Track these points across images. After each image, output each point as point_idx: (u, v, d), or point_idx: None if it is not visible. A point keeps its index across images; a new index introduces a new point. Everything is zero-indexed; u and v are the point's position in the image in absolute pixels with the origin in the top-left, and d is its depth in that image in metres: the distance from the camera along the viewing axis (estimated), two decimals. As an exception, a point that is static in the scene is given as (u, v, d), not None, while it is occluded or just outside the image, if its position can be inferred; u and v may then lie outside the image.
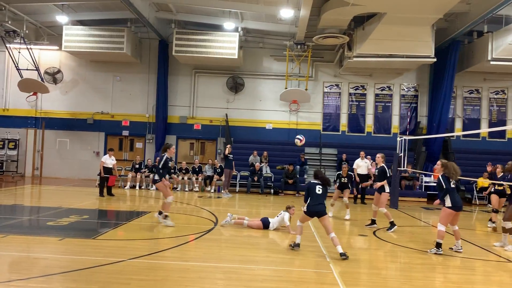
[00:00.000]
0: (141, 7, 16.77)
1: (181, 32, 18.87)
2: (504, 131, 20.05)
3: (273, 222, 9.58)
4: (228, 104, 20.81)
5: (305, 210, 7.63)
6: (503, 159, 18.33)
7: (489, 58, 17.24)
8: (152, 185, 17.48)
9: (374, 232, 9.86)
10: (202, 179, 17.88)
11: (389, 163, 17.02)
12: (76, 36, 18.76)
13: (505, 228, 8.67)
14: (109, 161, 14.82)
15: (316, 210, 7.48)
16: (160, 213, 9.77)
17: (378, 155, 10.51)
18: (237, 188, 18.09)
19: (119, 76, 20.98)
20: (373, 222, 10.53)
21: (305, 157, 19.11)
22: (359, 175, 15.72)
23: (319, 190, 7.59)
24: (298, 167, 18.40)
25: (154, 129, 20.75)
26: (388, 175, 10.22)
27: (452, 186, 7.85)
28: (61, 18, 18.44)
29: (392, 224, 10.04)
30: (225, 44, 18.47)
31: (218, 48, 18.50)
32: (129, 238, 8.21)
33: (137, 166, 17.97)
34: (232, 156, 16.25)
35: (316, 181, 7.71)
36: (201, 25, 19.32)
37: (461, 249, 8.11)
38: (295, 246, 7.65)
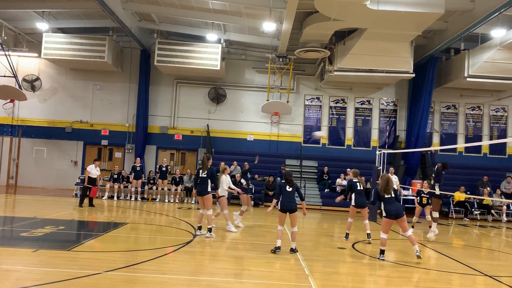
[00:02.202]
0: (123, 17, 16.70)
1: (163, 42, 18.84)
2: (480, 146, 20.51)
3: (221, 189, 10.58)
4: (210, 115, 20.78)
5: (279, 208, 8.44)
6: (479, 173, 18.88)
7: (466, 75, 17.70)
8: (132, 196, 17.28)
9: (353, 245, 9.90)
10: (182, 190, 17.72)
11: (368, 176, 17.30)
12: (56, 44, 18.53)
13: (433, 217, 10.43)
14: (94, 171, 14.60)
15: (289, 207, 8.33)
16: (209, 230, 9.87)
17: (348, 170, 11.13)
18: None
19: (100, 85, 20.76)
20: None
21: (285, 169, 19.13)
22: None
23: (289, 188, 8.42)
24: (278, 178, 18.42)
25: (134, 138, 20.54)
26: (350, 188, 10.65)
27: (387, 196, 8.43)
28: (41, 25, 18.21)
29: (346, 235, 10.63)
30: (207, 55, 18.51)
31: (200, 59, 18.53)
32: (106, 250, 8.05)
33: (115, 176, 17.71)
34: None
35: (284, 182, 8.57)
36: (184, 36, 19.33)
37: (418, 252, 8.28)
38: (276, 249, 8.25)
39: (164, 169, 18.05)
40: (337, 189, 18.47)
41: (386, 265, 8.07)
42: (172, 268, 7.02)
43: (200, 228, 10.05)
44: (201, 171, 9.94)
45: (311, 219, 15.37)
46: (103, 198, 17.22)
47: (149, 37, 19.89)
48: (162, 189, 17.75)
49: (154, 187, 17.80)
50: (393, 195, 8.47)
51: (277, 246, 8.37)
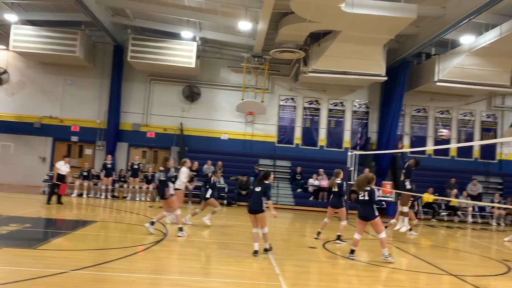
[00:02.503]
0: (96, 11, 16.36)
1: (137, 38, 18.56)
2: (448, 149, 21.08)
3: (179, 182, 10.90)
4: (184, 113, 20.59)
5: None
6: (446, 176, 19.39)
7: (436, 79, 18.14)
8: (102, 194, 16.97)
9: (323, 245, 10.00)
10: (153, 188, 17.50)
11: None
12: (26, 36, 17.98)
13: (402, 212, 10.65)
14: (64, 168, 14.24)
15: (252, 208, 8.09)
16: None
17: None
18: (190, 199, 17.77)
19: (70, 79, 20.26)
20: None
21: (259, 168, 19.16)
22: None
23: (257, 189, 8.18)
24: (252, 178, 18.42)
25: (105, 135, 20.13)
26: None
27: (360, 198, 8.49)
28: (10, 17, 17.61)
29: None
30: (182, 52, 18.33)
31: (175, 56, 18.34)
32: (74, 248, 7.87)
33: (85, 173, 17.32)
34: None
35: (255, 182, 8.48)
36: (159, 32, 19.08)
37: (385, 256, 8.35)
38: (254, 253, 8.01)
39: (136, 167, 17.79)
40: (309, 189, 18.63)
41: (356, 265, 8.18)
42: (141, 267, 6.92)
43: (153, 223, 9.69)
44: (161, 174, 9.81)
45: (284, 219, 15.45)
46: (72, 195, 16.81)
47: (123, 32, 19.53)
48: (133, 187, 17.49)
49: (125, 185, 17.51)
50: (366, 197, 8.38)
51: (254, 250, 8.09)
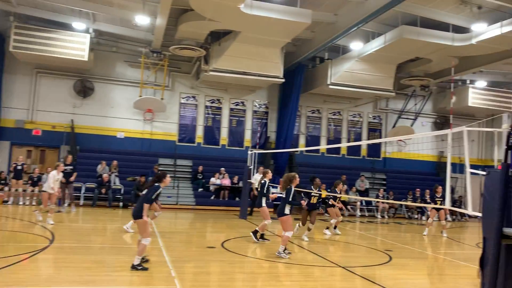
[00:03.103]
0: (-29, -8, 14.52)
1: (21, 27, 16.83)
2: (339, 148, 22.49)
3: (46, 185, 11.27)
4: (75, 109, 19.15)
5: None
6: (338, 173, 20.68)
7: (328, 82, 19.24)
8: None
9: (222, 244, 9.99)
10: (40, 191, 16.03)
11: (241, 175, 17.74)
12: None
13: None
14: None
15: (133, 212, 7.12)
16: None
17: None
18: (82, 201, 16.67)
19: None
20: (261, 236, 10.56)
21: (158, 168, 18.61)
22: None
23: (144, 192, 7.40)
24: (150, 178, 17.80)
25: (-18, 133, 17.99)
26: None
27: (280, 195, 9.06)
28: None
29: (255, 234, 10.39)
30: (73, 44, 17.04)
31: (65, 48, 16.97)
32: None
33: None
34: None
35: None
36: (47, 22, 17.49)
37: (280, 252, 8.59)
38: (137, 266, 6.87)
39: (19, 167, 16.14)
40: (211, 188, 18.59)
41: (252, 262, 8.31)
42: (23, 278, 6.24)
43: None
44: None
45: (184, 219, 15.23)
46: None
47: (4, 19, 17.54)
48: (16, 190, 15.87)
49: (6, 188, 15.82)
50: (283, 195, 8.84)
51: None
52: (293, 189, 8.85)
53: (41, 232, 10.15)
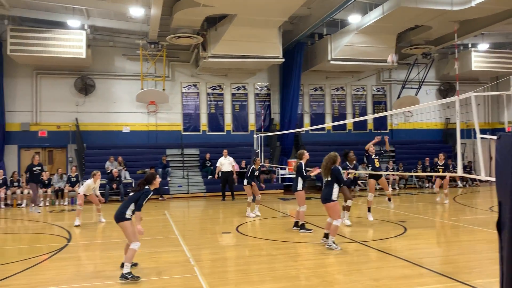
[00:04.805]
0: (-38, -1, 14.42)
1: (17, 29, 16.74)
2: (345, 124, 22.40)
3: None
4: (78, 108, 19.17)
5: None
6: (345, 149, 20.60)
7: (329, 58, 19.03)
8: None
9: (237, 228, 10.08)
10: (52, 192, 16.20)
11: (248, 159, 17.78)
12: None
13: (345, 206, 10.07)
14: None
15: (115, 216, 6.28)
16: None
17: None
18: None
19: None
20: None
21: (167, 159, 18.72)
22: (223, 172, 16.15)
23: (131, 194, 6.42)
24: (160, 170, 17.92)
25: (-11, 139, 18.08)
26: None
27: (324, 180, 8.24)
28: None
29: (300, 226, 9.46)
30: (70, 42, 16.95)
31: (62, 47, 16.88)
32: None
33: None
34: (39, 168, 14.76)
35: None
36: (42, 22, 17.40)
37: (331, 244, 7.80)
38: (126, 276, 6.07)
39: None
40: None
41: (268, 244, 8.37)
42: (45, 278, 6.36)
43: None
44: None
45: (196, 207, 15.34)
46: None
47: (-1, 23, 17.54)
48: (29, 192, 15.99)
49: (19, 191, 15.96)
50: (329, 179, 7.88)
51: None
52: (340, 169, 8.01)
53: (58, 232, 10.29)
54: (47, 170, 17.25)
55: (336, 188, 7.79)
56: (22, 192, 16.02)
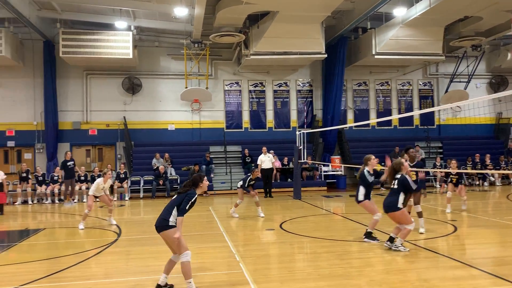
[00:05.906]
0: (19, 5, 15.23)
1: (68, 32, 17.57)
2: (390, 119, 21.87)
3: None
4: (126, 106, 19.86)
5: None
6: (390, 145, 20.14)
7: (373, 52, 18.63)
8: (47, 199, 16.15)
9: (280, 225, 10.10)
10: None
11: (290, 156, 17.75)
12: None
13: (417, 212, 8.97)
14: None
15: (156, 223, 5.49)
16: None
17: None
18: (141, 194, 17.42)
19: (-1, 81, 18.91)
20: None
21: (210, 156, 19.02)
22: (263, 169, 16.16)
23: (174, 197, 5.60)
24: (204, 166, 18.24)
25: (44, 137, 19.06)
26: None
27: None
28: None
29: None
30: (118, 43, 17.58)
31: (110, 48, 17.55)
32: (22, 260, 7.41)
33: (23, 174, 16.41)
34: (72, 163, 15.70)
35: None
36: (90, 24, 18.15)
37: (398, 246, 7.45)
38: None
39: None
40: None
41: (312, 242, 8.33)
42: (96, 271, 6.66)
43: None
44: None
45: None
46: (16, 204, 15.90)
47: (52, 27, 18.40)
48: (80, 188, 16.77)
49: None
50: (395, 187, 7.32)
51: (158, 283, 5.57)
52: (408, 178, 7.29)
53: (109, 226, 10.71)
54: (97, 166, 18.03)
55: (402, 196, 7.25)
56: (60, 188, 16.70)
